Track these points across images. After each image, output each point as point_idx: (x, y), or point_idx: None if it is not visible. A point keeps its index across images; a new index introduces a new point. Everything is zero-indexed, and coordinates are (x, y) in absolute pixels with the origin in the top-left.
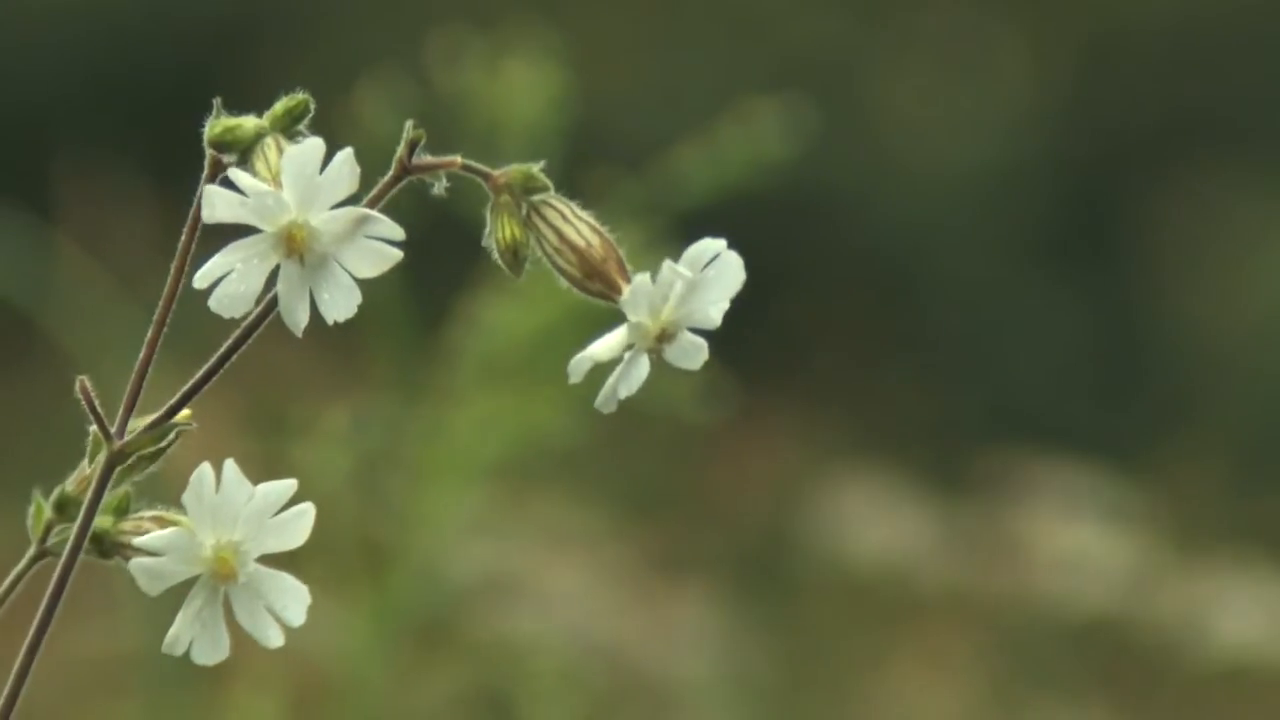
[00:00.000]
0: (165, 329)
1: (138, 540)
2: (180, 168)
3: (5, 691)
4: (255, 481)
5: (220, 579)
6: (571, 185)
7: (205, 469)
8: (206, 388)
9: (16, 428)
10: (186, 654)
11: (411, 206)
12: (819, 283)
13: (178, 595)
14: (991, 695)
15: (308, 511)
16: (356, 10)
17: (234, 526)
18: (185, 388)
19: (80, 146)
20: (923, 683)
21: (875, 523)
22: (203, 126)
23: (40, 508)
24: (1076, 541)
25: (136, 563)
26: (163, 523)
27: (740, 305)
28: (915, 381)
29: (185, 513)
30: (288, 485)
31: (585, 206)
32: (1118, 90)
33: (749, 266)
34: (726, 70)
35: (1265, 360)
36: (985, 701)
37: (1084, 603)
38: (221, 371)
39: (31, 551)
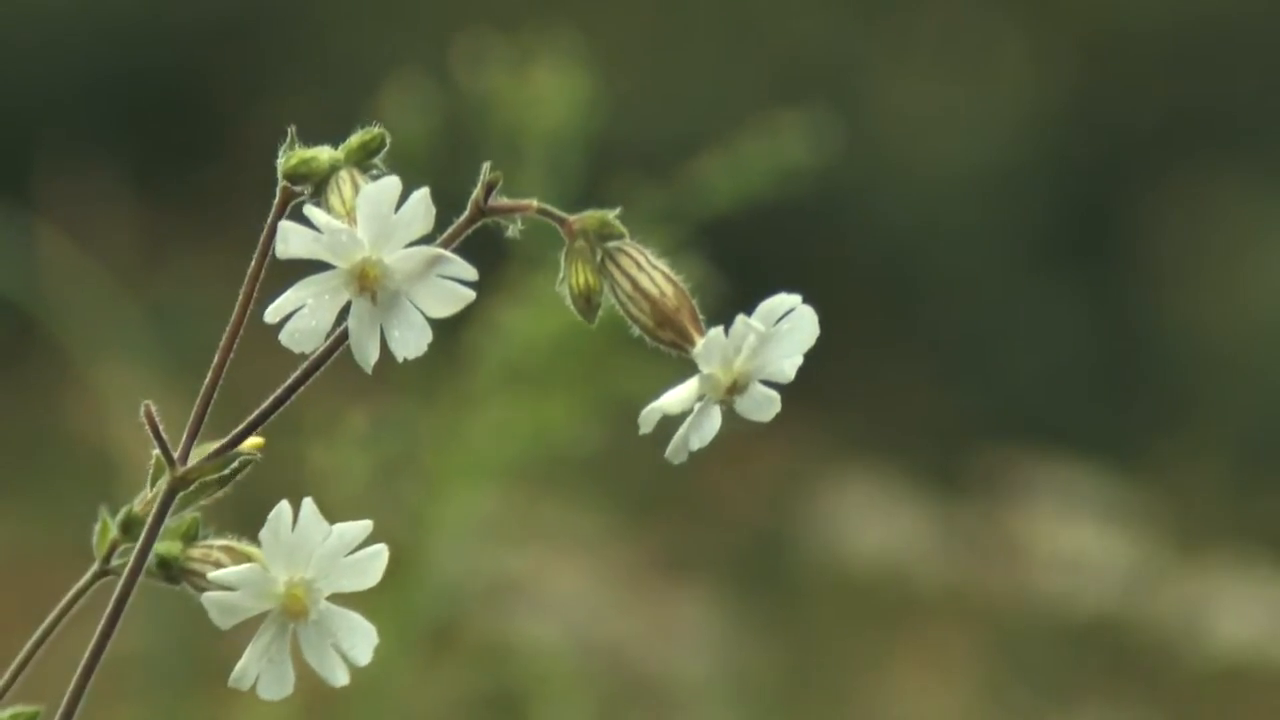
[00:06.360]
0: (231, 355)
1: (212, 575)
2: (165, 167)
3: (60, 711)
4: (275, 491)
5: (291, 616)
6: (592, 189)
7: (284, 507)
8: (272, 418)
9: (11, 426)
10: (189, 654)
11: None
12: (818, 282)
13: (180, 600)
14: (991, 695)
15: (381, 553)
16: (353, 11)
17: (308, 564)
18: (250, 417)
19: (66, 144)
20: (922, 683)
21: (875, 523)
22: (191, 127)
23: (106, 526)
24: (1076, 541)
25: (209, 596)
26: (233, 553)
27: (739, 305)
28: (915, 381)
29: (256, 543)
30: (363, 526)
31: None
32: (1118, 90)
33: (748, 265)
34: (726, 72)
35: (1265, 360)
36: (984, 701)
37: (1084, 603)
38: (288, 404)
39: (94, 569)
